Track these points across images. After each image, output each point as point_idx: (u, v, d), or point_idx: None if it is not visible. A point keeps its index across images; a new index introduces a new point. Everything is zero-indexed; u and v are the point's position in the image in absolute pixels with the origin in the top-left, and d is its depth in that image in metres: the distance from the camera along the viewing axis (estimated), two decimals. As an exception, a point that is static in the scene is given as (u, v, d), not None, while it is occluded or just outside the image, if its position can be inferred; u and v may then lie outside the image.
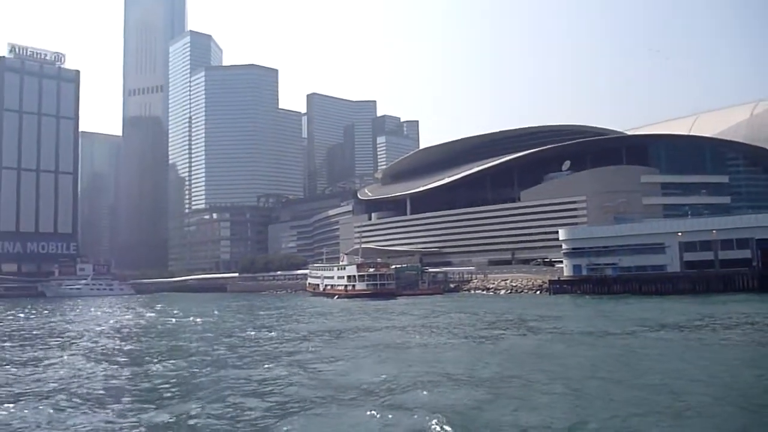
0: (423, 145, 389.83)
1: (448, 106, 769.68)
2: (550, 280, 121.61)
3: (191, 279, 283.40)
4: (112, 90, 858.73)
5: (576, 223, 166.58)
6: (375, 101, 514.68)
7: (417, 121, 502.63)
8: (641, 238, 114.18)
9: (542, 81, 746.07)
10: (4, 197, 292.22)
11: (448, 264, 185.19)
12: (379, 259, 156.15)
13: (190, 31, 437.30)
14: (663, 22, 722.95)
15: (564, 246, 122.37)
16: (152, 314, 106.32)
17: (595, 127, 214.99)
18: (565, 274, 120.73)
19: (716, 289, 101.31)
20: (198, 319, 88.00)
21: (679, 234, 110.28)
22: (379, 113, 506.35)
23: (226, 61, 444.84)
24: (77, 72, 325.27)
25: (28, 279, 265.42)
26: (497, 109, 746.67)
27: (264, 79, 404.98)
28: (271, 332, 65.50)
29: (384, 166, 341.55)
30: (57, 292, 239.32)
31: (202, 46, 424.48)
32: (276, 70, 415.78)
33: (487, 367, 38.78)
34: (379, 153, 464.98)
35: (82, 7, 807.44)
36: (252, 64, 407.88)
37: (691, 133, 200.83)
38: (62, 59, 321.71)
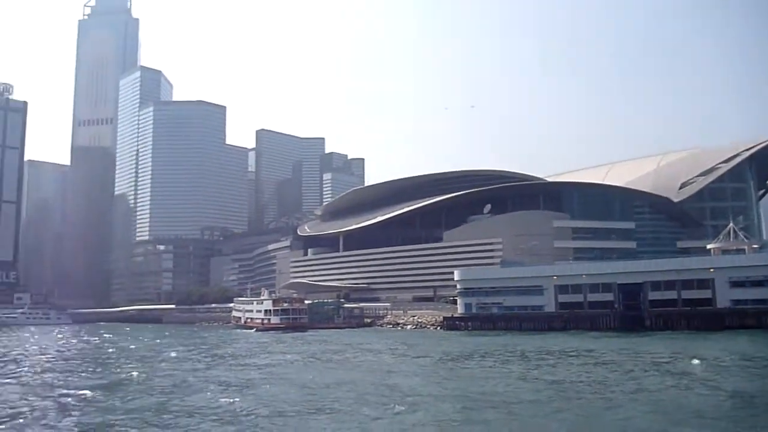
0: (369, 182, 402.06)
1: (397, 145, 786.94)
2: (444, 317, 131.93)
3: (130, 309, 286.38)
4: (62, 120, 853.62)
5: (493, 264, 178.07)
6: (323, 138, 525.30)
7: (363, 159, 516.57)
8: (523, 280, 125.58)
9: (481, 126, 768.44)
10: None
11: (376, 300, 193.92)
12: (294, 294, 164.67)
13: (141, 66, 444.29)
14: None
15: (458, 286, 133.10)
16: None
17: (517, 173, 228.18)
18: (459, 311, 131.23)
19: (584, 327, 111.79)
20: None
21: (555, 278, 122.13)
22: (328, 150, 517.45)
23: (177, 96, 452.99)
24: (25, 103, 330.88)
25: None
26: (439, 150, 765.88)
27: (212, 115, 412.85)
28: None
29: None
30: None
31: (152, 80, 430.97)
32: (224, 107, 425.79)
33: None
34: (325, 189, 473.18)
35: (33, 39, 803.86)
36: (200, 101, 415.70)
37: (605, 182, 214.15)
38: (10, 90, 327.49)
